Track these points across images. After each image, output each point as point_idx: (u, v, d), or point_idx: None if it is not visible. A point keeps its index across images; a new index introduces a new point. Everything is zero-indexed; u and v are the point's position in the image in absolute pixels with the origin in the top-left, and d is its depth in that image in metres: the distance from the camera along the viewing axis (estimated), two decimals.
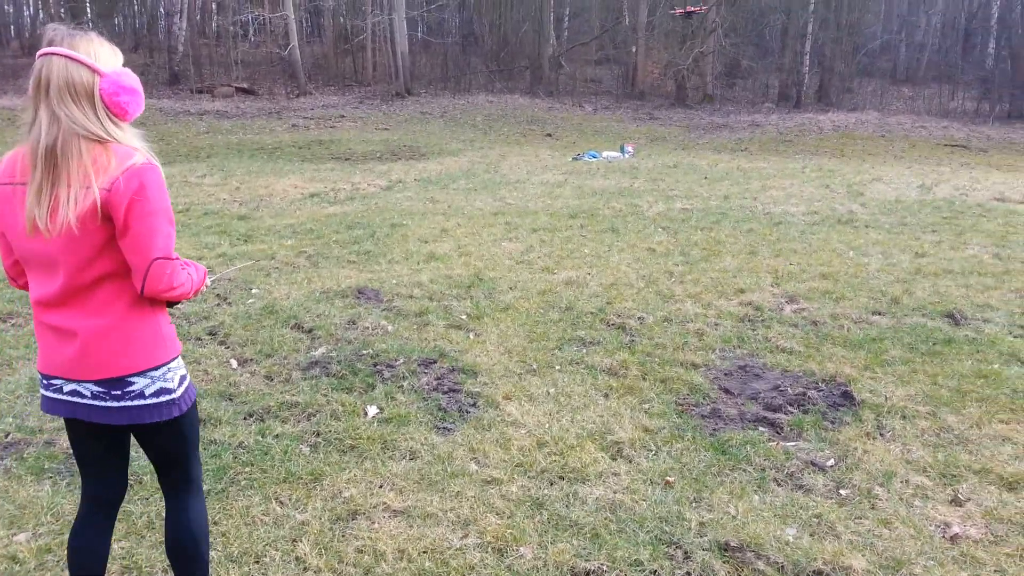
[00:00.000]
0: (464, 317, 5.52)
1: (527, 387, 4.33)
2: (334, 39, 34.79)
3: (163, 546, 2.51)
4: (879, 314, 5.55)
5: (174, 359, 2.10)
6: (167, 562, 2.52)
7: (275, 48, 32.56)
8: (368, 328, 5.30)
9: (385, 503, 3.15)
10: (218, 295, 6.12)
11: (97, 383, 2.01)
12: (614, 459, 3.59)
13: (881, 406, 4.07)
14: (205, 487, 3.21)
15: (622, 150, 18.02)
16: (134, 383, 2.02)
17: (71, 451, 3.43)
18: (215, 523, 3.01)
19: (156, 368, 2.04)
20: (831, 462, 3.57)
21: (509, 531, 2.97)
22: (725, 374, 4.57)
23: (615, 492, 3.28)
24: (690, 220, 9.22)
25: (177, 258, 2.00)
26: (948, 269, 6.68)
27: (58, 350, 2.00)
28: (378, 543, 2.88)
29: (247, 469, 3.42)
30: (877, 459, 3.56)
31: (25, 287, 2.10)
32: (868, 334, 5.12)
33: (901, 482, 3.37)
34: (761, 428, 3.90)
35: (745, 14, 30.55)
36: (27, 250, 1.95)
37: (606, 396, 4.27)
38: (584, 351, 4.91)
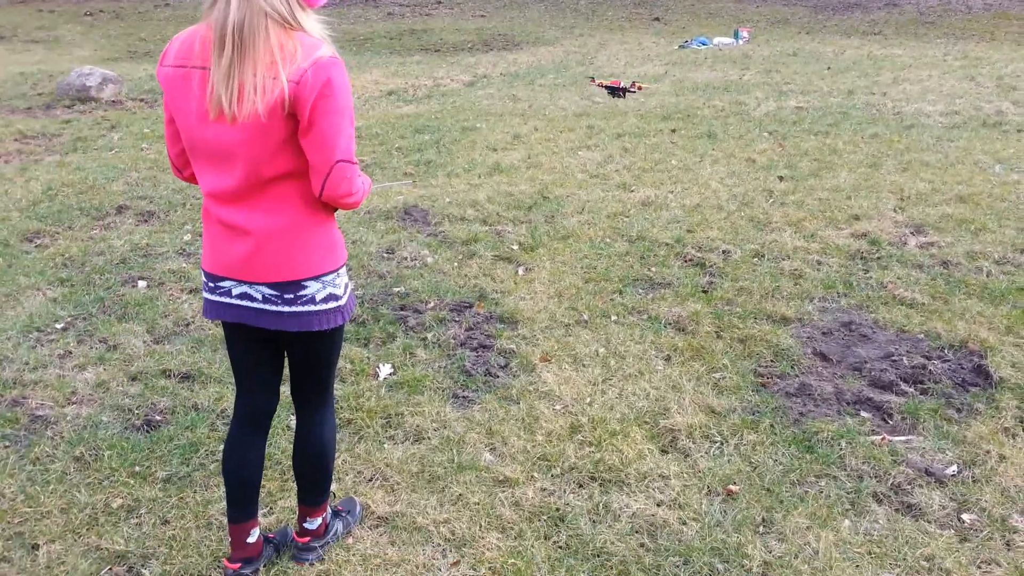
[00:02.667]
0: (515, 247, 4.78)
1: (572, 345, 3.61)
2: None
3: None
4: None
5: (343, 265, 2.05)
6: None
7: None
8: (406, 259, 4.66)
9: (369, 505, 2.58)
10: None
11: (270, 286, 1.95)
12: (665, 452, 2.86)
13: None
14: (168, 470, 2.73)
15: (736, 36, 16.23)
16: (307, 287, 1.97)
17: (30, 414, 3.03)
18: (164, 523, 2.53)
19: (328, 273, 1.99)
20: (953, 470, 2.72)
21: (512, 560, 2.34)
22: (823, 333, 3.69)
23: (659, 505, 2.57)
24: (803, 122, 7.96)
25: (357, 163, 1.91)
26: None
27: (229, 249, 1.94)
28: (343, 571, 2.31)
29: (221, 449, 2.91)
30: (1018, 469, 2.68)
31: (191, 179, 2.04)
32: (1015, 281, 4.05)
33: None
34: (863, 414, 3.06)
35: None
36: (200, 139, 1.86)
37: (668, 360, 3.50)
38: (650, 296, 4.11)
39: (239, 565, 2.24)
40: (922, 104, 8.65)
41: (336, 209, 2.01)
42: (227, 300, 2.01)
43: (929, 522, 2.48)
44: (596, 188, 5.96)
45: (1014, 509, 2.51)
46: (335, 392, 2.98)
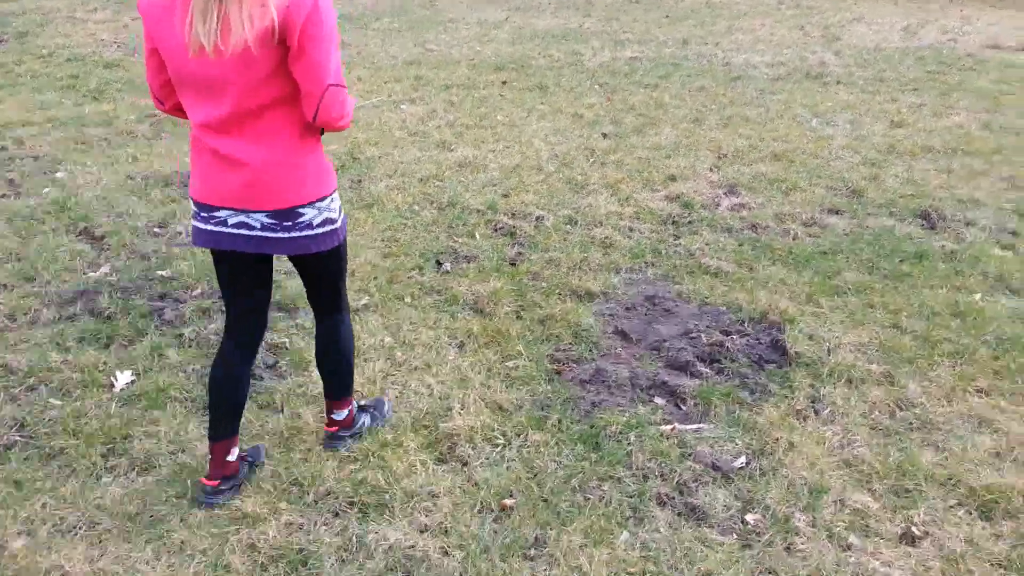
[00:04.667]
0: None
1: (356, 334, 3.20)
2: None
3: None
4: (837, 213, 4.40)
5: (335, 190, 2.09)
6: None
7: None
8: (180, 235, 4.07)
9: (63, 566, 2.10)
10: (10, 181, 4.80)
11: (268, 214, 1.97)
12: (441, 462, 2.54)
13: (821, 363, 3.02)
14: None
15: None
16: (304, 214, 2.00)
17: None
18: None
19: (322, 199, 2.02)
20: (741, 462, 2.55)
21: None
22: (626, 309, 3.47)
23: (422, 532, 2.25)
24: (635, 74, 7.78)
25: (346, 85, 1.91)
26: (927, 145, 5.47)
27: (224, 179, 1.93)
28: None
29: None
30: (805, 459, 2.55)
31: (172, 110, 2.02)
32: (819, 245, 3.99)
33: (834, 503, 2.38)
34: (657, 400, 2.86)
35: None
36: (185, 71, 1.83)
37: (461, 347, 3.17)
38: (452, 272, 3.76)
39: (217, 482, 2.29)
40: (751, 55, 8.69)
41: (323, 134, 2.02)
42: (223, 229, 2.00)
43: (712, 527, 2.30)
44: (413, 147, 5.51)
45: (797, 507, 2.36)
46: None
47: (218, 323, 3.26)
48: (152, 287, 3.56)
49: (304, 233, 2.02)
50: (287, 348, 3.12)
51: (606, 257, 3.91)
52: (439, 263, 3.84)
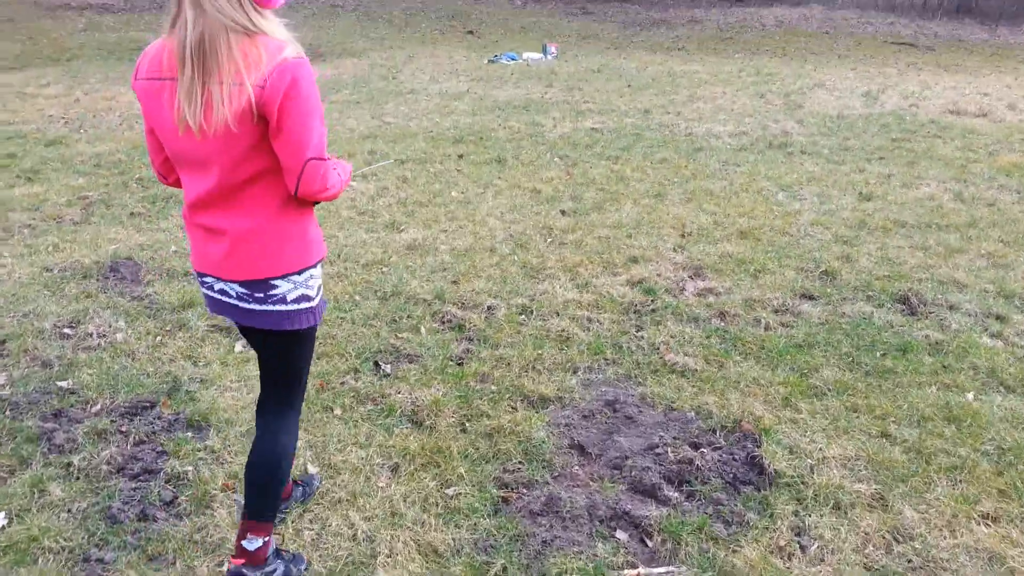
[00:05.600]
0: None
1: None
2: None
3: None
4: (810, 298, 4.10)
5: (317, 263, 2.04)
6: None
7: None
8: (90, 336, 3.65)
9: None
10: None
11: (242, 284, 1.97)
12: None
13: (803, 483, 2.66)
14: None
15: (544, 51, 16.04)
16: (277, 287, 1.97)
17: None
18: None
19: (299, 272, 1.98)
20: None
21: None
22: (584, 416, 3.10)
23: None
24: (596, 145, 7.59)
25: (330, 158, 1.92)
26: (900, 220, 5.25)
27: (208, 249, 1.96)
28: None
29: None
30: None
31: (176, 184, 2.06)
32: (793, 337, 3.68)
33: None
34: (619, 533, 2.47)
35: None
36: (178, 149, 1.88)
37: (394, 471, 2.77)
38: (390, 375, 3.38)
39: (242, 561, 2.16)
40: (713, 124, 8.57)
41: (316, 203, 2.00)
42: (212, 295, 2.05)
43: None
44: (360, 229, 5.18)
45: None
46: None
47: (116, 447, 2.83)
48: (48, 402, 3.12)
49: (277, 308, 1.99)
50: (189, 479, 2.69)
51: (562, 354, 3.55)
52: (377, 365, 3.46)
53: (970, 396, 3.15)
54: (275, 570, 2.21)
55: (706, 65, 14.67)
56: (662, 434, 2.95)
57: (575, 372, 3.41)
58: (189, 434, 2.95)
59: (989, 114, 9.40)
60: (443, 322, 3.87)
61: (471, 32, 21.16)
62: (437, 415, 3.05)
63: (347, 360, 3.47)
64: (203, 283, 2.06)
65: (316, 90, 1.82)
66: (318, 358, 3.50)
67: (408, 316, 3.92)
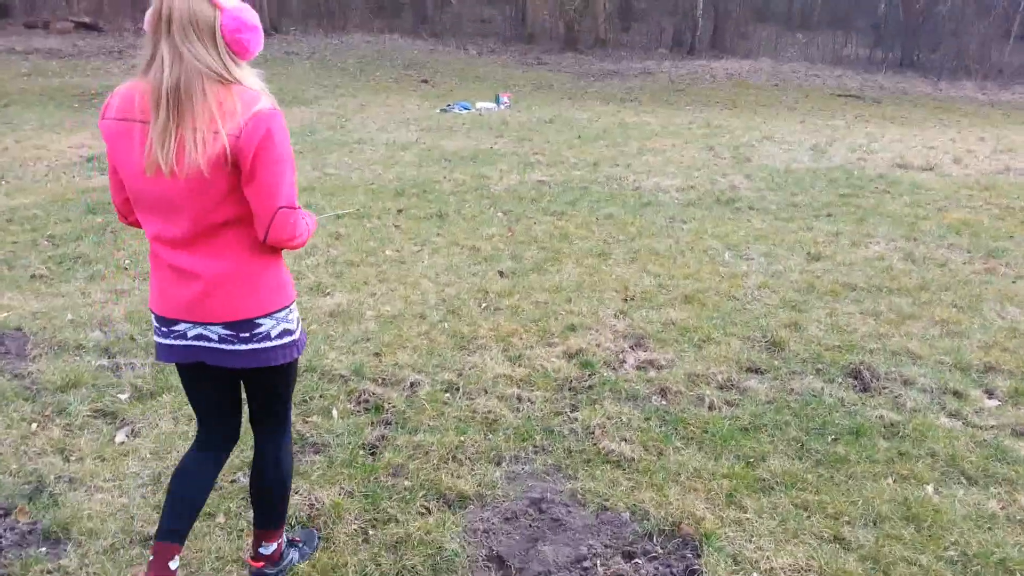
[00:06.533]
0: (128, 393, 3.49)
1: None
2: None
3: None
4: (756, 372, 3.83)
5: (293, 302, 2.09)
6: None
7: None
8: None
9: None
10: None
11: (225, 326, 1.98)
12: None
13: None
14: None
15: (497, 101, 15.98)
16: (261, 325, 2.00)
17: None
18: None
19: (280, 310, 2.03)
20: None
21: None
22: (506, 519, 2.74)
23: None
24: (542, 200, 7.35)
25: (299, 208, 1.96)
26: (849, 283, 5.05)
27: (178, 291, 1.96)
28: None
29: None
30: None
31: (135, 224, 2.07)
32: (738, 419, 3.38)
33: None
34: None
35: None
36: (142, 190, 1.89)
37: None
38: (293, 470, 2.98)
39: None
40: (662, 178, 8.42)
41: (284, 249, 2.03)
42: (182, 343, 2.03)
43: None
44: None
45: None
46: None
47: None
48: None
49: (263, 345, 2.02)
50: None
51: (487, 440, 3.20)
52: None
53: (929, 489, 2.88)
54: (291, 558, 2.42)
55: (658, 117, 14.71)
56: (592, 542, 2.61)
57: (499, 463, 3.06)
58: (43, 549, 2.53)
59: (935, 168, 9.43)
60: (359, 402, 3.50)
61: (425, 81, 21.10)
62: (337, 522, 2.67)
63: (241, 452, 3.07)
64: (171, 332, 2.03)
65: (288, 140, 1.88)
66: None
67: (320, 396, 3.54)
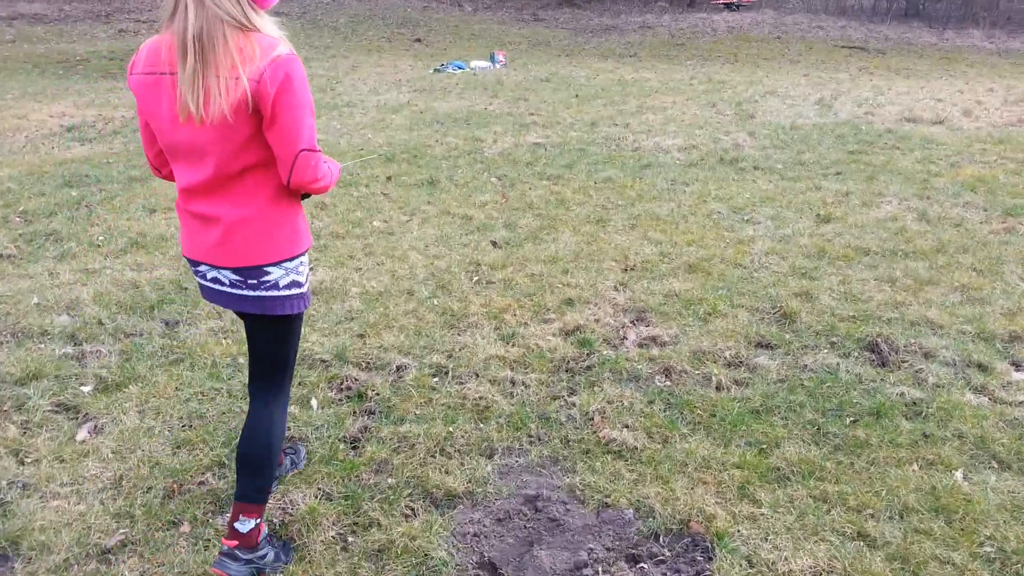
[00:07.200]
0: (91, 386, 3.25)
1: None
2: None
3: None
4: (767, 347, 3.58)
5: (306, 251, 2.12)
6: None
7: None
8: None
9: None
10: None
11: (235, 271, 2.03)
12: None
13: None
14: None
15: (492, 59, 15.51)
16: (270, 273, 2.04)
17: None
18: None
19: (291, 259, 2.06)
20: None
21: None
22: (498, 520, 2.51)
23: None
24: (537, 163, 7.04)
25: (320, 151, 1.99)
26: (862, 247, 4.77)
27: (201, 236, 2.02)
28: None
29: None
30: None
31: (168, 177, 2.12)
32: (748, 400, 3.13)
33: None
34: None
35: None
36: (174, 140, 1.93)
37: None
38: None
39: (235, 543, 2.20)
40: (662, 137, 8.08)
41: (304, 196, 2.10)
42: (205, 283, 2.12)
43: None
44: None
45: None
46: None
47: None
48: None
49: (270, 293, 2.06)
50: None
51: (478, 431, 2.97)
52: None
53: (959, 475, 2.64)
54: (266, 554, 2.27)
55: (657, 72, 14.27)
56: (592, 544, 2.38)
57: (491, 456, 2.83)
58: None
59: (945, 121, 9.08)
60: (341, 390, 3.26)
61: (419, 40, 20.56)
62: (312, 529, 2.44)
63: (212, 449, 2.84)
64: (196, 272, 2.11)
65: (307, 85, 1.91)
66: (174, 450, 2.86)
67: (300, 383, 3.30)
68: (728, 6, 9.17)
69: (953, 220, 5.25)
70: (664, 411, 3.06)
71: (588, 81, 12.83)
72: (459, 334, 3.73)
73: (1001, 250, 4.66)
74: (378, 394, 3.22)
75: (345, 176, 6.65)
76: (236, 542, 2.21)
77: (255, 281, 2.04)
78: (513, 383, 3.29)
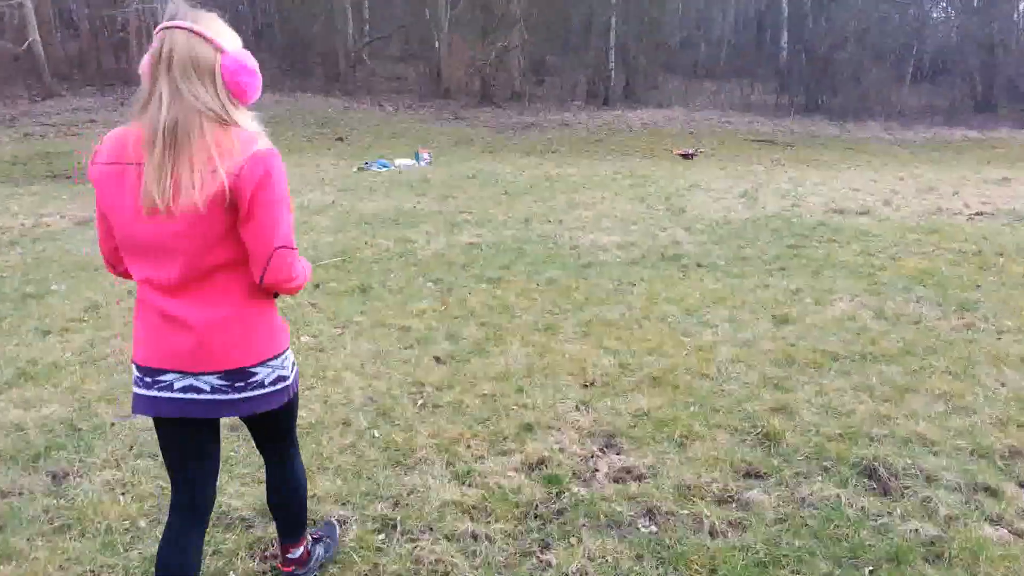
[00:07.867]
0: None
1: None
2: (90, 31, 29.58)
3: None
4: (756, 476, 3.19)
5: (288, 348, 2.07)
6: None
7: (10, 43, 26.92)
8: None
9: None
10: None
11: (220, 375, 1.94)
12: None
13: None
14: None
15: (417, 157, 15.40)
16: (256, 373, 1.97)
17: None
18: None
19: (276, 357, 2.00)
20: None
21: None
22: None
23: None
24: (474, 265, 6.69)
25: (296, 248, 1.93)
26: (829, 351, 4.52)
27: (169, 341, 1.91)
28: None
29: None
30: None
31: (125, 274, 2.04)
32: (749, 549, 2.70)
33: None
34: None
35: (546, 7, 28.85)
36: (134, 235, 1.85)
37: None
38: None
39: None
40: (598, 234, 7.90)
41: (276, 296, 2.02)
42: (168, 395, 1.94)
43: None
44: None
45: None
46: None
47: None
48: None
49: (256, 392, 1.98)
50: None
51: None
52: None
53: None
54: (319, 555, 2.50)
55: (580, 168, 14.40)
56: None
57: None
58: None
59: (870, 212, 9.26)
60: (265, 559, 2.68)
61: (341, 139, 20.42)
62: None
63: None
64: (156, 383, 1.93)
65: (286, 181, 1.87)
66: None
67: (214, 552, 2.71)
68: (685, 156, 10.69)
69: (911, 317, 5.11)
70: (656, 568, 2.60)
71: (514, 177, 12.78)
72: (406, 473, 3.22)
73: (969, 349, 4.50)
74: None
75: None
76: (292, 567, 2.43)
77: (242, 383, 1.95)
78: (475, 537, 2.78)
